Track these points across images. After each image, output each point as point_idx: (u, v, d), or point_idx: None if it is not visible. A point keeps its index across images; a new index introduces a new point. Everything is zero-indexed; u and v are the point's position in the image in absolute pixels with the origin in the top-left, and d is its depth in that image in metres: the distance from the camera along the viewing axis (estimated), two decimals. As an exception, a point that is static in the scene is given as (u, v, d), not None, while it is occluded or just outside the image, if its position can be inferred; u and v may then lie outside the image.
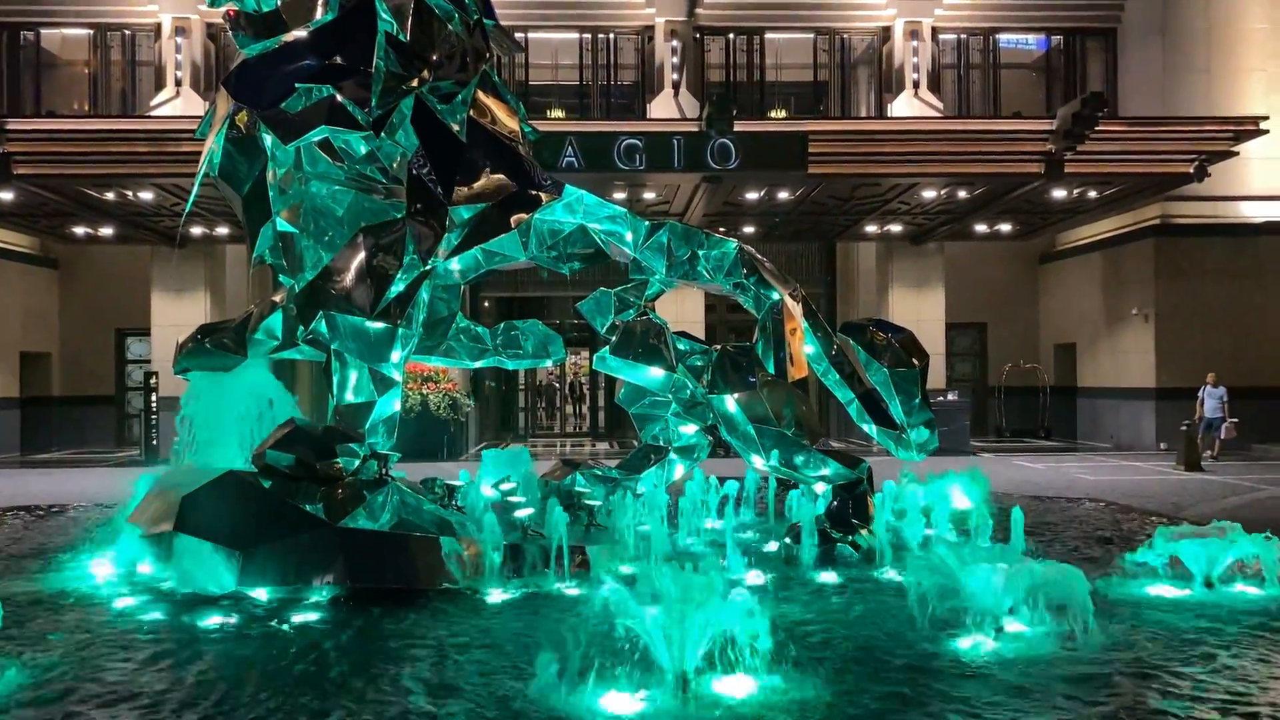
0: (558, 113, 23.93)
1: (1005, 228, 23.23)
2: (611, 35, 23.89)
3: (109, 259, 24.20)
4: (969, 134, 18.87)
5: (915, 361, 8.67)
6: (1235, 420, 19.56)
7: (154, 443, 20.77)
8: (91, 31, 23.30)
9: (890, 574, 7.85)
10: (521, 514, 8.56)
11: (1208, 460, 18.95)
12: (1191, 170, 18.54)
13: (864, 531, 8.41)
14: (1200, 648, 5.87)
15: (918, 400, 8.63)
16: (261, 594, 7.07)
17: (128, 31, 23.34)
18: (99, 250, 23.98)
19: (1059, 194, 19.88)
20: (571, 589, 7.31)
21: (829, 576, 7.87)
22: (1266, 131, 18.84)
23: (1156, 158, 18.70)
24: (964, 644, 5.81)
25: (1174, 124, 19.22)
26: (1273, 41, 22.67)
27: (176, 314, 21.49)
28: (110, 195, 18.93)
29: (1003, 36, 24.21)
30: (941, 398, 21.23)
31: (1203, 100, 22.05)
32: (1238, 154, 19.36)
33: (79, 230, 22.05)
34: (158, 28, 22.61)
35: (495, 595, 7.17)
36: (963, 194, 19.72)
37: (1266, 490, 15.14)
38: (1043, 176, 18.38)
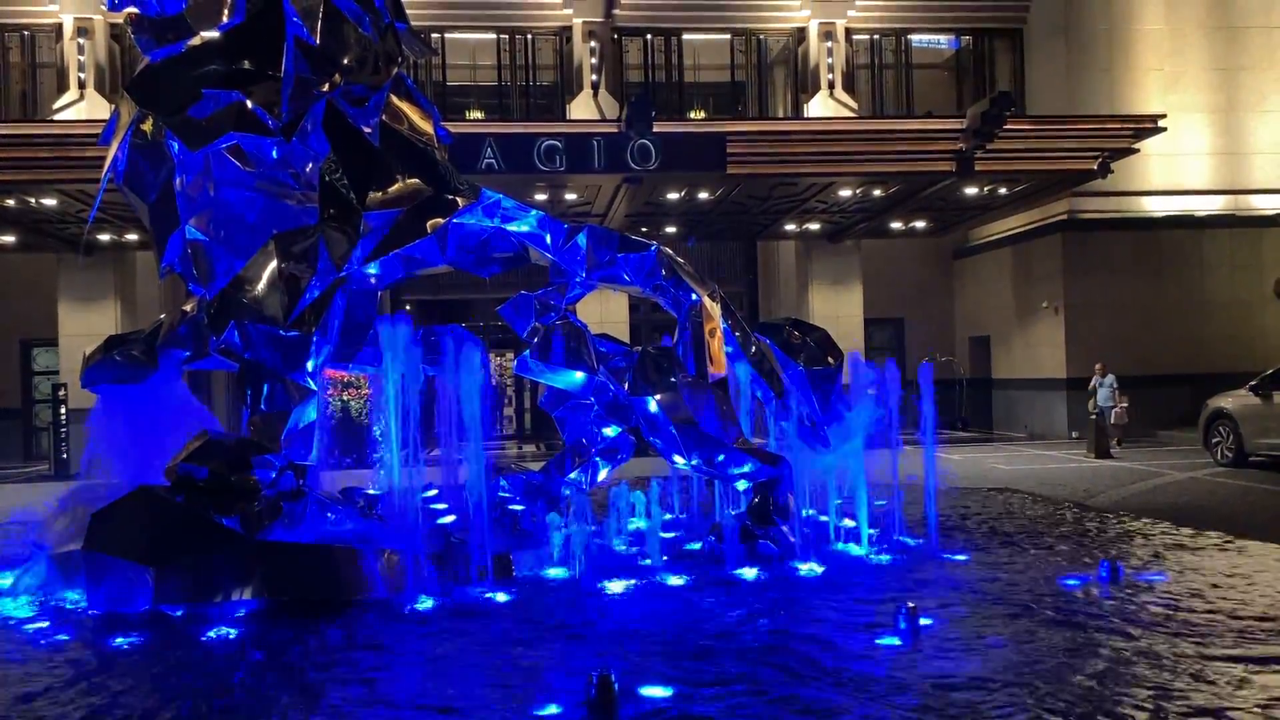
0: (476, 114, 23.82)
1: (920, 224, 23.74)
2: (529, 36, 23.81)
3: (12, 267, 23.34)
4: (882, 133, 19.22)
5: (830, 360, 8.84)
6: (1125, 405, 20.16)
7: (64, 457, 20.14)
8: (-12, 33, 22.49)
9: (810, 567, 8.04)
10: (444, 520, 8.51)
11: (1116, 448, 19.61)
12: (1095, 167, 19.17)
13: (784, 528, 8.53)
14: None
15: (834, 397, 8.80)
16: (177, 612, 6.91)
17: (27, 32, 22.57)
18: (0, 258, 23.13)
19: (970, 191, 20.40)
20: (496, 596, 7.30)
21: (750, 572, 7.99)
22: (1164, 129, 19.57)
23: (1062, 155, 19.26)
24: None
25: (1078, 122, 19.83)
26: (1169, 41, 23.55)
27: (85, 323, 20.84)
28: (11, 202, 18.29)
29: (914, 37, 24.72)
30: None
31: (1105, 99, 22.82)
32: (1138, 151, 20.04)
33: (-22, 238, 21.26)
34: (59, 28, 21.89)
35: (418, 605, 7.12)
36: (877, 192, 20.10)
37: (1169, 475, 15.73)
38: (954, 174, 18.80)
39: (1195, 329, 22.72)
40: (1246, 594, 6.98)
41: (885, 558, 8.50)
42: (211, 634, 6.38)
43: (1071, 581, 7.45)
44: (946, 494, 12.07)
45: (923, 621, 6.16)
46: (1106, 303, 22.66)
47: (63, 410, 20.35)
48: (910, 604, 6.19)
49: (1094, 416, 19.42)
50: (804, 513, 8.80)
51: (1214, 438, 17.13)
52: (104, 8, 21.03)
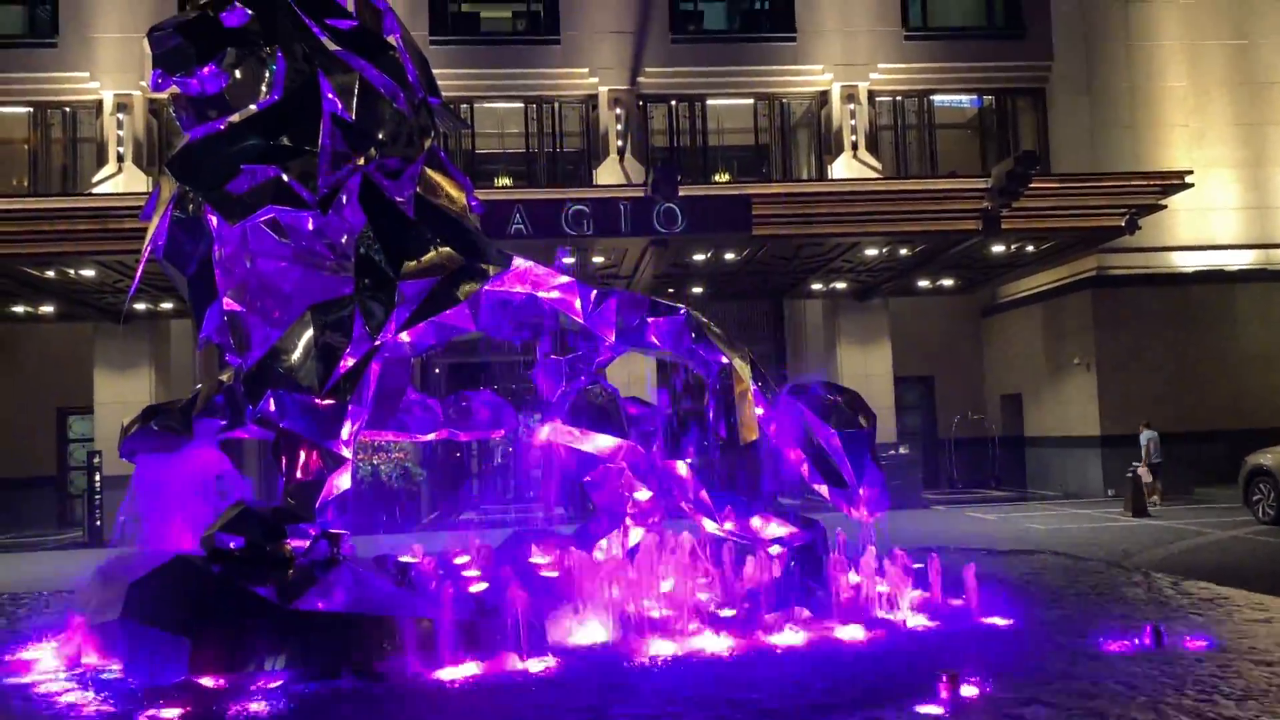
0: (504, 180, 24.18)
1: (948, 282, 23.74)
2: (556, 104, 24.23)
3: (50, 336, 23.77)
4: (907, 193, 19.33)
5: (863, 421, 8.77)
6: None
7: (98, 524, 20.27)
8: (31, 109, 23.17)
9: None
10: (477, 589, 8.47)
11: (1154, 506, 19.29)
12: (1123, 224, 19.13)
13: (819, 593, 8.43)
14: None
15: (867, 459, 8.72)
16: (212, 682, 6.90)
17: (68, 109, 23.23)
18: (39, 328, 23.56)
19: (997, 249, 20.40)
20: (529, 665, 7.24)
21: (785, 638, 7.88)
22: (1191, 185, 19.57)
23: (1089, 212, 19.27)
24: (922, 704, 5.85)
25: (1104, 179, 19.85)
26: (1193, 98, 23.63)
27: (120, 391, 21.14)
28: (51, 273, 18.69)
29: (936, 97, 24.93)
30: (893, 451, 21.44)
31: (1130, 155, 22.87)
32: (1166, 207, 20.02)
33: (18, 309, 21.67)
34: (99, 104, 22.53)
35: (451, 674, 7.07)
36: (904, 251, 20.15)
37: (1211, 534, 15.44)
38: (980, 233, 18.83)
39: (1230, 384, 22.46)
40: (1296, 659, 6.82)
41: (924, 622, 8.37)
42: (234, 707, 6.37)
43: (1114, 646, 7.30)
44: (983, 556, 11.91)
45: (964, 691, 6.05)
46: (1138, 359, 22.47)
47: (97, 478, 20.53)
48: (951, 672, 6.08)
49: (1130, 475, 19.13)
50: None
51: (1254, 495, 16.84)
52: (145, 85, 21.69)
